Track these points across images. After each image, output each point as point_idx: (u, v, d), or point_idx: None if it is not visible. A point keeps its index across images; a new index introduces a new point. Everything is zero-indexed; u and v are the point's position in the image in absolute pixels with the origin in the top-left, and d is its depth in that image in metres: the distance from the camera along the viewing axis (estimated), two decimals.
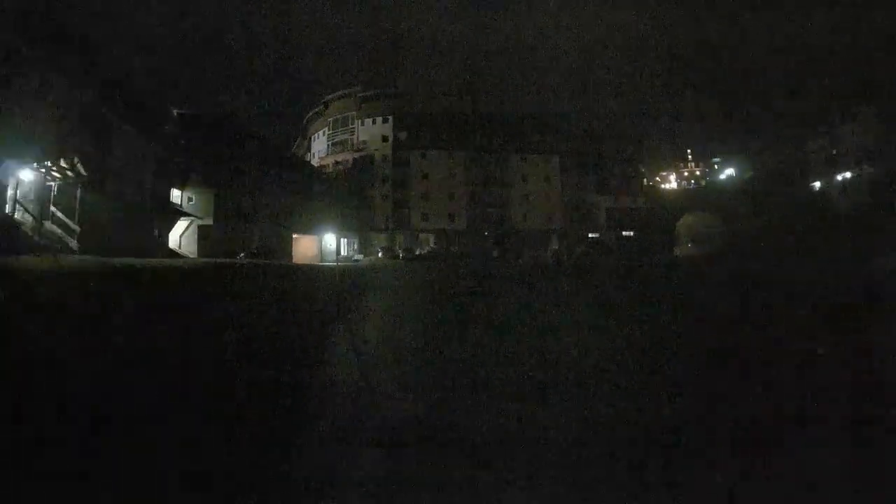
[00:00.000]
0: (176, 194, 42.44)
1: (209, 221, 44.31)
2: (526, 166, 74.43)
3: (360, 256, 62.78)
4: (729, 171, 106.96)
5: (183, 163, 42.47)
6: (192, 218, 42.75)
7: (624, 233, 76.36)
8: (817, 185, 72.67)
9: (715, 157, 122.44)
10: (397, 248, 64.12)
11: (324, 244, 60.17)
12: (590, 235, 74.85)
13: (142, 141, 33.83)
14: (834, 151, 67.72)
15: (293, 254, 52.87)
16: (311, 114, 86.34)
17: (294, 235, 54.61)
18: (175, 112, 43.72)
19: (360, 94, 76.72)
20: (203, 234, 43.55)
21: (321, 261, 55.83)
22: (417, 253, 61.98)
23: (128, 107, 31.07)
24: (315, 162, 77.22)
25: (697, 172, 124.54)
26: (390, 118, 73.69)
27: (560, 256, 51.65)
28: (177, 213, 40.87)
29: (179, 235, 42.39)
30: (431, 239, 67.89)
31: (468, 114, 75.75)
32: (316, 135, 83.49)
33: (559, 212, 74.61)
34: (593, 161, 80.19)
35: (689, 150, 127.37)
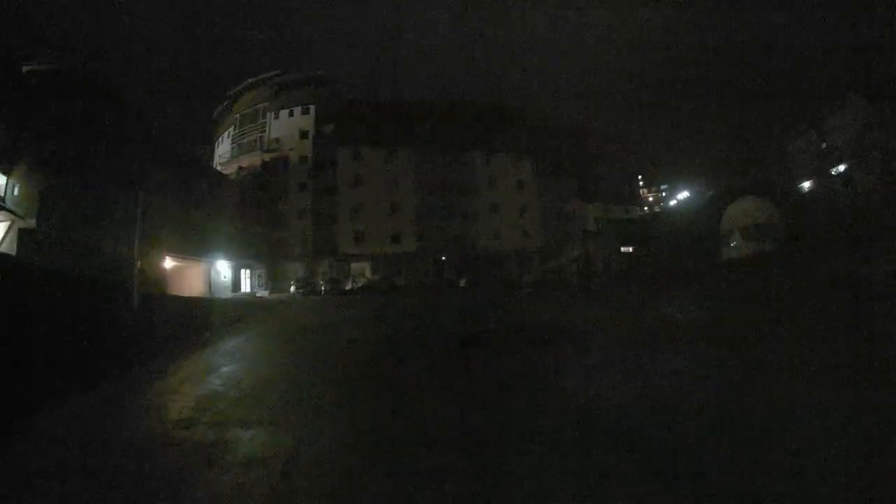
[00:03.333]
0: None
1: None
2: (492, 169, 57.09)
3: (266, 292, 44.07)
4: (683, 195, 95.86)
5: (12, 136, 27.44)
6: (13, 217, 26.97)
7: (623, 248, 60.29)
8: (806, 185, 61.62)
9: (661, 182, 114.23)
10: (319, 280, 45.30)
11: (216, 274, 41.17)
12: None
13: None
14: (824, 145, 58.99)
15: (166, 284, 34.37)
16: (217, 111, 67.26)
17: (170, 260, 35.90)
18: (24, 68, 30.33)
19: (277, 80, 58.52)
20: (27, 241, 27.15)
21: (211, 296, 37.71)
22: (349, 287, 43.72)
23: None
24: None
25: (650, 199, 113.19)
26: (312, 108, 55.51)
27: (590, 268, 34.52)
28: None
29: None
30: (368, 268, 49.16)
31: (415, 102, 57.98)
32: (221, 138, 64.27)
33: (537, 226, 57.39)
34: (574, 162, 64.28)
35: (639, 176, 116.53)
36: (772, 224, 43.21)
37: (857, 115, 52.99)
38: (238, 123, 60.73)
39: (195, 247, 38.16)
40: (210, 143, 67.04)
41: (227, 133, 62.53)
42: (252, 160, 55.09)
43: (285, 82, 58.39)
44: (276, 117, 56.80)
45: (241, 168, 55.02)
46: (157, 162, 36.29)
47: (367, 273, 48.05)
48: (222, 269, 42.32)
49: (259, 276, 48.01)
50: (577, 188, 63.56)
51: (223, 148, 62.09)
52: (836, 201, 48.87)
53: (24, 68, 30.37)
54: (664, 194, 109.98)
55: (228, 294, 40.69)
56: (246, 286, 46.04)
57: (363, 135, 53.26)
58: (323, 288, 42.47)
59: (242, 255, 44.84)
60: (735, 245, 47.65)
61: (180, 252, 36.67)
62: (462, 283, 44.16)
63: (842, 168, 54.17)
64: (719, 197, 51.93)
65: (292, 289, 43.51)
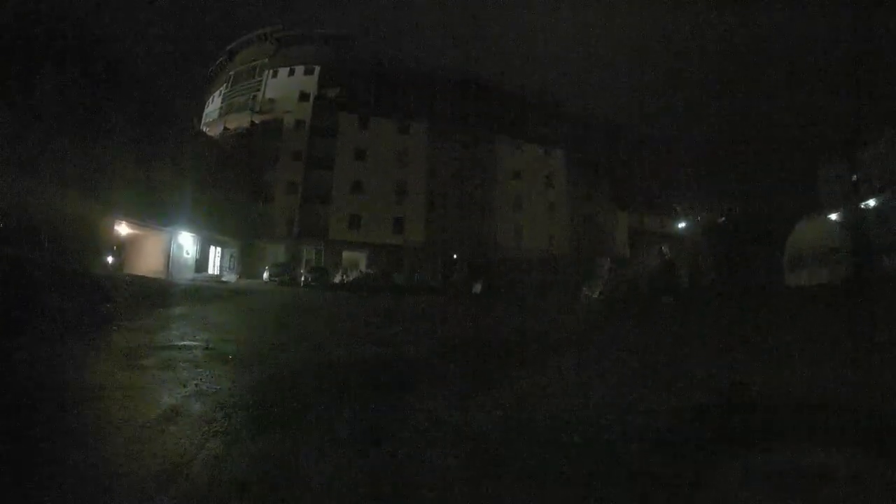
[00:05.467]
0: None
1: None
2: (519, 158, 49.01)
3: (234, 277, 35.96)
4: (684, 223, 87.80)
5: None
6: None
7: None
8: (833, 216, 55.05)
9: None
10: (300, 269, 37.17)
11: (177, 249, 32.99)
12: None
13: None
14: (855, 178, 52.35)
15: (120, 256, 27.42)
16: (211, 68, 59.14)
17: (126, 226, 28.17)
18: None
19: (279, 35, 50.39)
20: None
21: (169, 276, 29.38)
22: (339, 279, 35.73)
23: None
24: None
25: None
26: (317, 68, 47.39)
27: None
28: None
29: None
30: (363, 259, 40.87)
31: (437, 74, 49.91)
32: (212, 97, 56.21)
33: (566, 229, 49.29)
34: (608, 164, 56.40)
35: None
36: (845, 249, 34.65)
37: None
38: (231, 81, 52.78)
39: (156, 212, 30.03)
40: (201, 102, 59.14)
41: (218, 92, 54.59)
42: (240, 121, 46.99)
43: (288, 38, 50.38)
44: (274, 76, 48.74)
45: (226, 129, 46.95)
46: (114, 99, 28.03)
47: (362, 265, 39.78)
48: (186, 243, 34.09)
49: (232, 256, 39.80)
50: (612, 192, 55.77)
51: (212, 107, 54.12)
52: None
53: None
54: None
55: (189, 275, 32.48)
56: (214, 267, 37.84)
57: (373, 102, 45.16)
58: (303, 278, 34.36)
59: (213, 229, 36.61)
60: (806, 271, 38.81)
61: (137, 217, 28.63)
62: (477, 288, 35.95)
63: (872, 202, 48.29)
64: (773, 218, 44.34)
65: (265, 275, 35.30)
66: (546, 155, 50.59)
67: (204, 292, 21.02)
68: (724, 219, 57.73)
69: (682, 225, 69.29)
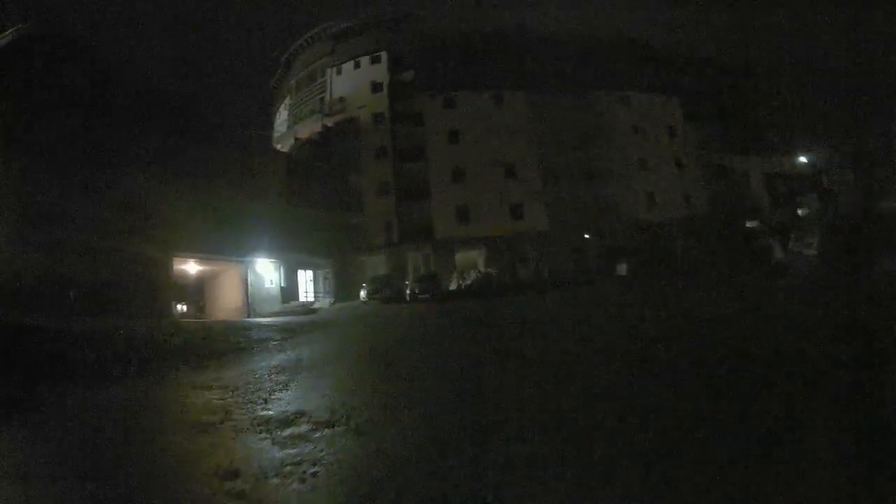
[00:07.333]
0: None
1: None
2: (632, 113, 41.43)
3: (329, 301, 30.65)
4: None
5: None
6: None
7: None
8: None
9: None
10: (406, 280, 31.30)
11: (256, 279, 27.66)
12: (747, 224, 41.84)
13: None
14: None
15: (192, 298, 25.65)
16: (272, 84, 55.43)
17: (194, 264, 23.86)
18: None
19: (334, 31, 45.49)
20: None
21: (250, 314, 24.97)
22: (455, 287, 29.75)
23: None
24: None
25: None
26: (383, 54, 41.90)
27: None
28: None
29: None
30: (481, 257, 34.62)
31: (522, 29, 43.30)
32: (278, 112, 52.40)
33: (699, 186, 41.32)
34: (731, 105, 47.63)
35: None
36: None
37: None
38: (294, 90, 48.61)
39: (228, 242, 24.97)
40: (270, 121, 55.40)
41: (283, 104, 50.70)
42: (311, 127, 42.46)
43: (343, 31, 45.36)
44: (339, 73, 43.81)
45: (297, 139, 42.51)
46: (161, 129, 23.19)
47: (481, 265, 33.51)
48: (266, 272, 28.60)
49: (325, 277, 34.45)
50: (736, 137, 47.05)
51: (280, 121, 50.33)
52: None
53: None
54: None
55: (276, 307, 27.15)
56: (307, 293, 32.48)
57: (456, 77, 39.09)
58: (409, 290, 28.36)
59: (298, 251, 31.06)
60: None
61: (203, 251, 23.91)
62: (622, 269, 29.05)
63: None
64: None
65: (362, 294, 29.09)
66: (662, 105, 42.81)
67: (265, 340, 13.49)
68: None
69: (813, 163, 58.79)
